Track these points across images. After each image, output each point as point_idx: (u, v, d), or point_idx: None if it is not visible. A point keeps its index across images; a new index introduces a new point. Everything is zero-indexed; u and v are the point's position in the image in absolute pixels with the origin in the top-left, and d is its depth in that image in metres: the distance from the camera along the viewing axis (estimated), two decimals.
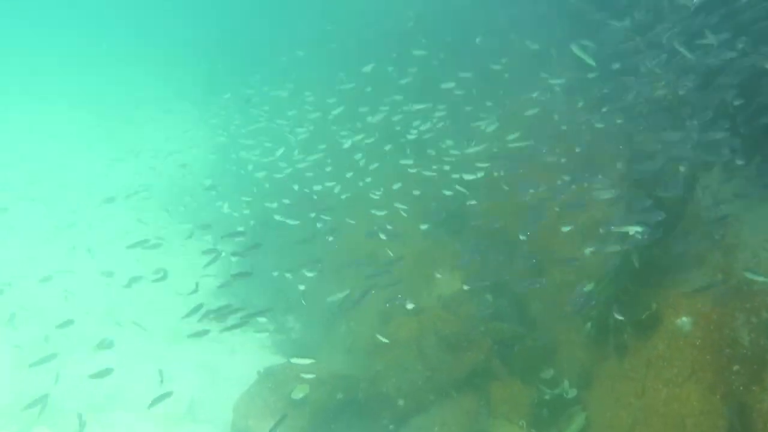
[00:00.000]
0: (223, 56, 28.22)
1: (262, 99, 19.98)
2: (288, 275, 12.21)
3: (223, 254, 12.61)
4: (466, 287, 10.52)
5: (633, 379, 7.74)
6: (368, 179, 13.29)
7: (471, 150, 11.60)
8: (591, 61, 9.42)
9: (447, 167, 11.83)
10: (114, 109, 29.84)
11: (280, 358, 11.33)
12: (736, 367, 6.68)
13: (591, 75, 10.00)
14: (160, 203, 19.88)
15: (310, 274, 11.52)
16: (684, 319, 7.33)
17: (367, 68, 14.23)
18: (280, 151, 15.39)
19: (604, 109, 9.83)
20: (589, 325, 8.63)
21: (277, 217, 12.74)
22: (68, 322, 10.68)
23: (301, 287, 12.08)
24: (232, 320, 9.44)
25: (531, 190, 9.94)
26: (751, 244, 7.67)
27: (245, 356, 12.21)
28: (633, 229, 7.59)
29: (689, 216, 8.17)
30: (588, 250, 9.18)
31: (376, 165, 13.55)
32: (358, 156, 13.58)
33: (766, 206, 7.75)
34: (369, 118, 13.77)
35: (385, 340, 9.46)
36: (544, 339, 9.45)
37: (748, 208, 7.79)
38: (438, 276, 10.96)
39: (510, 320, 10.03)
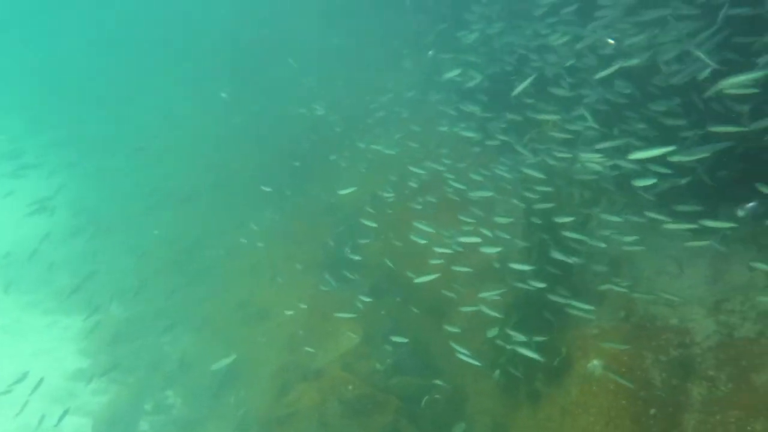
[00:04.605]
0: None
1: None
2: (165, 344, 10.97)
3: None
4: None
5: (549, 429, 7.42)
6: None
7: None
8: None
9: None
10: None
11: None
12: (652, 411, 6.53)
13: None
14: None
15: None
16: (595, 362, 7.13)
17: None
18: None
19: None
20: (497, 372, 8.26)
21: None
22: None
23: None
24: None
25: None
26: (646, 276, 7.74)
27: None
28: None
29: (585, 253, 8.09)
30: (488, 294, 8.88)
31: None
32: None
33: (656, 237, 7.81)
34: None
35: None
36: (451, 389, 8.99)
37: (639, 241, 7.81)
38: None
39: (413, 371, 9.51)
